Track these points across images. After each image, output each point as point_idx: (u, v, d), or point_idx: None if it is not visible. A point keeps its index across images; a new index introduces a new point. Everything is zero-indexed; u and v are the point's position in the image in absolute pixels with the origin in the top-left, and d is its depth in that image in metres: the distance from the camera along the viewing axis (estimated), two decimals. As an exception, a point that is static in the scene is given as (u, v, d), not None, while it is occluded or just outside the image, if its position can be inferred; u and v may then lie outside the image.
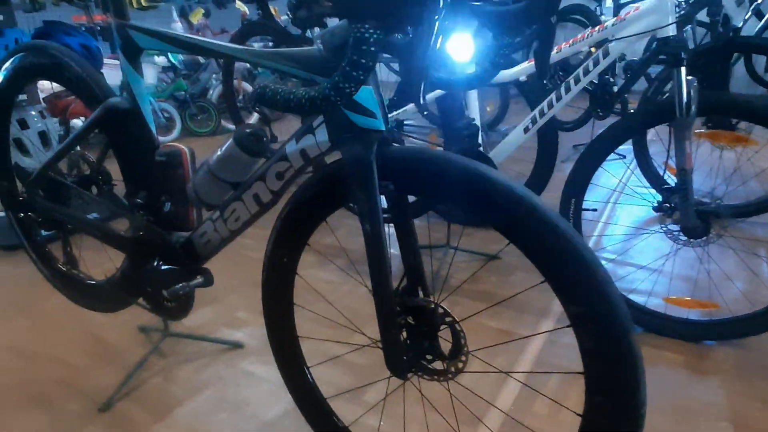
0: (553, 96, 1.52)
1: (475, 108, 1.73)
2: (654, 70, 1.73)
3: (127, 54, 1.08)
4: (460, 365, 0.91)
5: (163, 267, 1.13)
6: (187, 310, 1.15)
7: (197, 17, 4.33)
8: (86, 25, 4.06)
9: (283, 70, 0.86)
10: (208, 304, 1.80)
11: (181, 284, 1.06)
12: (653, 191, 2.09)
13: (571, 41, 1.45)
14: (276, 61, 0.87)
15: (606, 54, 1.39)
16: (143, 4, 4.21)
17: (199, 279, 1.08)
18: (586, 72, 1.43)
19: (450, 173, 0.78)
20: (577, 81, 1.45)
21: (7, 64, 1.34)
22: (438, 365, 0.93)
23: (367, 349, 1.19)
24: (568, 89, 1.48)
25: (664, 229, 1.42)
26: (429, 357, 0.93)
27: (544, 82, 1.27)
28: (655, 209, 1.42)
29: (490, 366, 1.02)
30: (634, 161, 2.33)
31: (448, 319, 0.90)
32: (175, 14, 4.75)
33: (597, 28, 1.38)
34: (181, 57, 4.30)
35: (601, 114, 1.74)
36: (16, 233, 1.50)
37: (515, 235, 0.74)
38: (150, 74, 3.86)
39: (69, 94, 2.40)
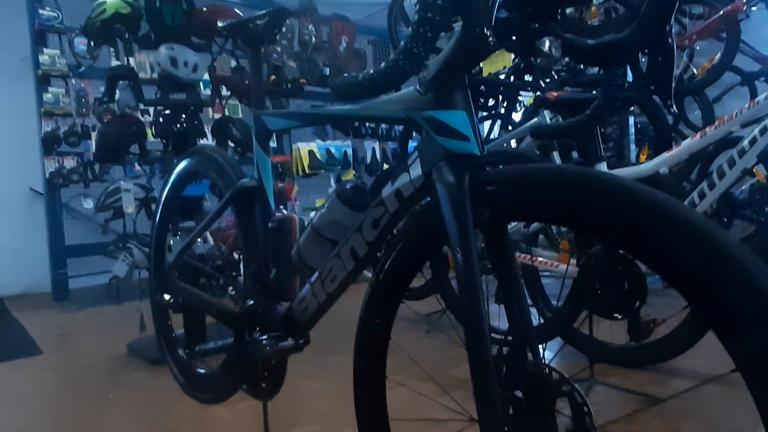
0: (705, 186, 1.32)
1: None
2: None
3: (259, 138, 1.21)
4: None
5: (260, 337, 1.09)
6: (277, 386, 1.07)
7: (349, 176, 4.91)
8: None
9: (386, 115, 0.89)
10: (317, 421, 1.67)
11: (267, 341, 1.00)
12: None
13: (717, 123, 1.30)
14: (380, 108, 0.90)
15: (764, 131, 1.21)
16: (307, 171, 4.86)
17: (289, 341, 1.02)
18: (742, 154, 1.24)
19: (561, 186, 0.66)
20: (731, 164, 1.26)
21: (173, 175, 1.59)
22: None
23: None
24: (721, 175, 1.28)
25: None
26: (544, 443, 0.71)
27: (671, 106, 1.09)
28: None
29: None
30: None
31: (565, 388, 0.70)
32: (332, 180, 5.40)
33: (747, 106, 1.23)
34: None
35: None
36: (159, 345, 1.62)
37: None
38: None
39: (229, 228, 2.72)
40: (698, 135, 1.34)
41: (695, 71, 3.25)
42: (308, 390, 1.97)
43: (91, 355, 2.70)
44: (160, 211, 1.63)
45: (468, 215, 0.73)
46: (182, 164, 1.53)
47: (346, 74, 0.74)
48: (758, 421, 0.52)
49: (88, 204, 3.62)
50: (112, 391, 2.11)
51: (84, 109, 3.82)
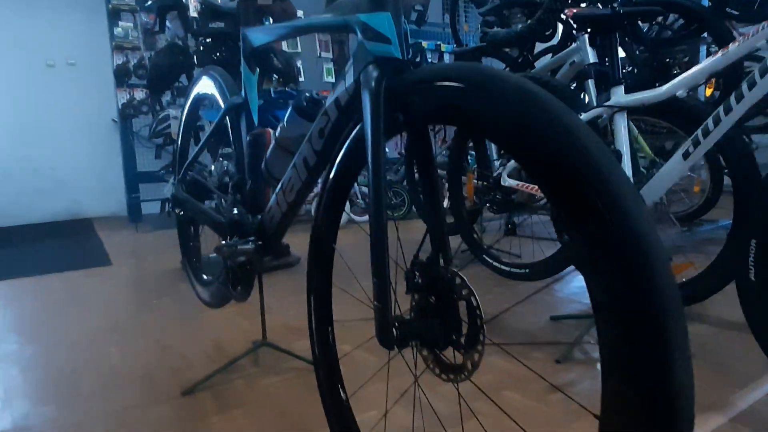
0: (720, 109, 1.18)
1: (622, 135, 1.45)
2: None
3: (245, 55, 1.24)
4: (476, 357, 0.69)
5: (229, 242, 1.16)
6: (247, 290, 1.15)
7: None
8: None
9: (330, 22, 0.88)
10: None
11: (228, 245, 1.07)
12: None
13: (740, 39, 1.14)
14: (327, 17, 0.89)
15: (792, 46, 1.06)
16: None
17: (248, 245, 1.08)
18: (765, 71, 1.09)
19: (463, 89, 0.63)
20: (751, 86, 1.12)
21: (190, 96, 1.66)
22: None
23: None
24: (740, 97, 1.14)
25: None
26: (441, 343, 0.73)
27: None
28: None
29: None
30: None
31: (464, 291, 0.70)
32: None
33: (775, 15, 1.07)
34: (387, 149, 4.78)
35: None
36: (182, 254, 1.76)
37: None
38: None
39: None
40: (720, 53, 1.19)
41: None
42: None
43: (149, 268, 3.00)
44: (180, 131, 1.73)
45: (379, 117, 0.72)
46: (196, 85, 1.60)
47: None
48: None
49: (155, 133, 3.89)
50: (157, 298, 2.36)
51: (151, 42, 4.02)
